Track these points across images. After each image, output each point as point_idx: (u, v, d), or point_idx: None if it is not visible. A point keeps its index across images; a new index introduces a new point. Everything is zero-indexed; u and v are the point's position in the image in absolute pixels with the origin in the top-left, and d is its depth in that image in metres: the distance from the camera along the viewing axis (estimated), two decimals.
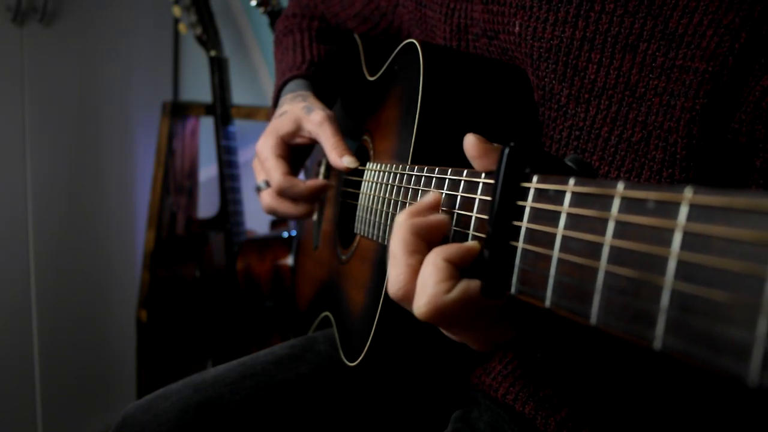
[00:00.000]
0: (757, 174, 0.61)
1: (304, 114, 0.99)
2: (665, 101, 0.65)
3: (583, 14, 0.72)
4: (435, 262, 0.51)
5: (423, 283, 0.51)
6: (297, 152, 1.04)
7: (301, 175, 1.13)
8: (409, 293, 0.53)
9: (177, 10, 2.12)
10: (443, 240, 0.60)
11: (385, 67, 0.96)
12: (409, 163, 0.76)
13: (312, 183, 0.98)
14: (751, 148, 0.61)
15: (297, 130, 1.00)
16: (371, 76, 1.02)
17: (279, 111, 1.05)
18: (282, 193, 0.98)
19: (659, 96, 0.65)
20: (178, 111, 2.28)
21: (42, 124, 2.00)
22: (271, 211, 1.02)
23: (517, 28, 0.79)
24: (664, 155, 0.65)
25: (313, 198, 1.00)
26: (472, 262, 0.52)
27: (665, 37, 0.65)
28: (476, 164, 0.54)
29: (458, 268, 0.51)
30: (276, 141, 1.00)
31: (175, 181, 2.30)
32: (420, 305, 0.51)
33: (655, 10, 0.66)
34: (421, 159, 0.76)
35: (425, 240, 0.55)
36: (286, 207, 1.00)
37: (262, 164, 1.01)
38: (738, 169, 0.63)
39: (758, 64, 0.60)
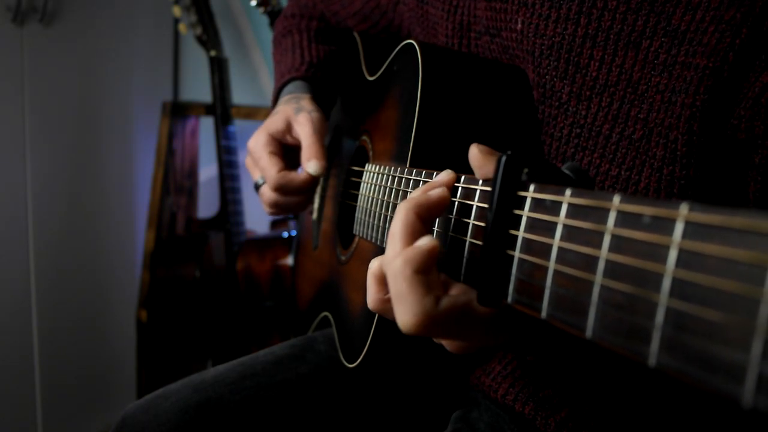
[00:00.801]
0: (755, 171, 0.61)
1: (293, 114, 1.01)
2: (666, 98, 0.65)
3: (585, 11, 0.72)
4: (405, 272, 0.50)
5: (401, 298, 0.51)
6: (291, 151, 1.05)
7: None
8: None
9: (177, 10, 2.12)
10: (441, 242, 0.60)
11: (384, 67, 0.96)
12: (407, 165, 0.75)
13: (306, 174, 0.99)
14: (750, 145, 0.61)
15: (287, 129, 1.01)
16: (370, 75, 1.02)
17: (274, 111, 1.06)
18: (279, 190, 0.98)
19: (661, 93, 0.65)
20: (178, 111, 2.28)
21: (42, 124, 1.99)
22: (273, 205, 1.02)
23: (520, 26, 0.79)
24: (664, 152, 0.65)
25: (310, 190, 1.01)
26: (434, 261, 0.51)
27: (668, 33, 0.65)
28: (479, 174, 0.55)
29: (427, 276, 0.51)
30: (267, 138, 1.00)
31: (175, 181, 2.30)
32: (404, 320, 0.51)
33: (657, 7, 0.66)
34: (419, 161, 0.75)
35: (425, 220, 0.54)
36: (288, 199, 1.01)
37: (256, 162, 1.01)
38: (737, 165, 0.63)
39: (758, 59, 0.60)
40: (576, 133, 0.74)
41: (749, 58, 0.60)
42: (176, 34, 2.47)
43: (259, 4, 2.00)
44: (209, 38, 2.10)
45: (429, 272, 0.51)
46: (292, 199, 1.01)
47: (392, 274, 0.51)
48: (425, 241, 0.51)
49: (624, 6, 0.68)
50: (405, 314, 0.50)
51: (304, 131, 0.98)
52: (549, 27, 0.75)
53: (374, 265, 0.59)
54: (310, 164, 0.96)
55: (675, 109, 0.64)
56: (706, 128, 0.63)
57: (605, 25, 0.70)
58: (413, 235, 0.53)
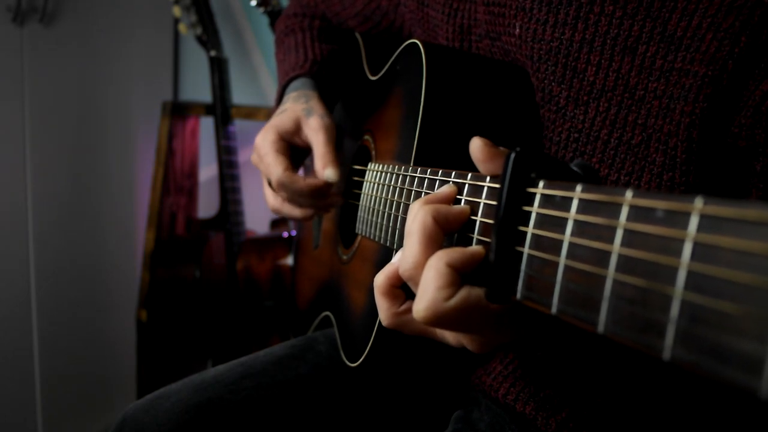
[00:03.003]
0: (756, 178, 0.61)
1: (304, 116, 0.99)
2: (665, 104, 0.65)
3: (582, 16, 0.72)
4: (437, 266, 0.50)
5: (424, 286, 0.51)
6: (296, 151, 1.03)
7: (301, 173, 1.13)
8: (416, 277, 0.53)
9: (177, 10, 2.12)
10: (448, 240, 0.60)
11: (387, 66, 0.96)
12: (411, 164, 0.75)
13: (313, 181, 0.95)
14: (751, 153, 0.61)
15: (296, 131, 0.99)
16: (373, 75, 1.02)
17: (280, 108, 1.04)
18: (282, 189, 0.96)
19: (659, 99, 0.65)
20: (178, 111, 2.28)
21: (42, 124, 1.99)
22: (275, 210, 1.01)
23: (518, 30, 0.79)
24: (664, 158, 0.65)
25: (315, 196, 0.96)
26: (476, 266, 0.52)
27: (664, 39, 0.65)
28: (482, 168, 0.54)
29: (460, 274, 0.51)
30: (275, 137, 0.98)
31: (175, 181, 2.30)
32: (419, 309, 0.50)
33: (654, 13, 0.66)
34: (423, 160, 0.75)
35: (444, 228, 0.54)
36: (289, 207, 0.99)
37: (261, 159, 0.99)
38: (738, 173, 0.63)
39: (758, 68, 0.60)
40: (574, 138, 0.74)
41: (749, 67, 0.60)
42: (176, 34, 2.46)
43: (259, 4, 2.00)
44: (209, 38, 2.10)
45: (461, 270, 0.51)
46: (295, 201, 0.98)
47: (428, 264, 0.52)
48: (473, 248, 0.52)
49: (620, 11, 0.68)
50: (420, 301, 0.51)
51: (318, 139, 0.96)
52: (547, 32, 0.75)
53: (379, 279, 0.59)
54: (327, 171, 0.93)
55: (674, 116, 0.64)
56: (705, 136, 0.63)
57: (602, 29, 0.70)
58: (431, 238, 0.53)
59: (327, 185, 0.96)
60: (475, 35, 0.86)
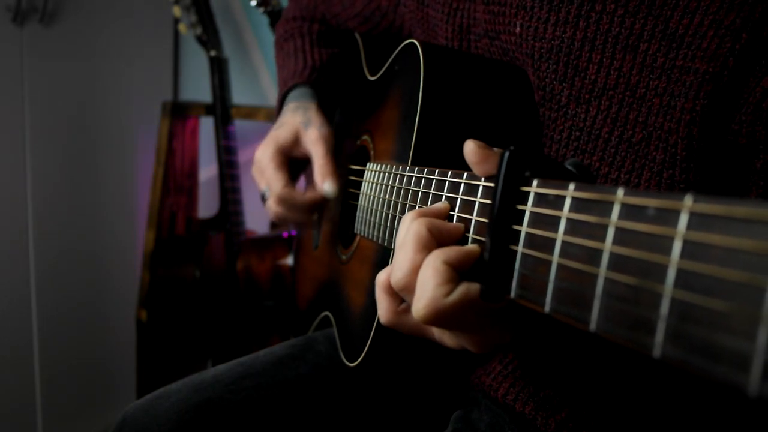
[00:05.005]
0: (757, 176, 0.61)
1: (302, 128, 1.01)
2: (665, 102, 0.65)
3: (584, 14, 0.72)
4: (435, 264, 0.50)
5: (422, 285, 0.51)
6: (295, 163, 1.05)
7: (302, 181, 1.14)
8: (411, 285, 0.53)
9: (177, 10, 2.12)
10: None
11: (385, 67, 0.96)
12: (409, 164, 0.76)
13: (311, 196, 0.99)
14: (752, 150, 0.61)
15: (295, 143, 1.02)
16: (372, 75, 1.02)
17: (279, 121, 1.06)
18: (282, 204, 0.99)
19: (659, 97, 0.65)
20: (178, 111, 2.28)
21: (42, 124, 2.00)
22: (278, 219, 1.03)
23: (518, 29, 0.79)
24: (664, 156, 0.65)
25: (312, 209, 1.01)
26: (471, 265, 0.52)
27: (665, 37, 0.65)
28: (477, 170, 0.54)
29: (458, 272, 0.51)
30: (274, 151, 1.01)
31: (175, 181, 2.30)
32: (419, 307, 0.50)
33: (655, 11, 0.66)
34: (421, 160, 0.76)
35: (438, 241, 0.54)
36: (293, 214, 1.01)
37: (262, 173, 1.02)
38: (738, 170, 0.63)
39: (759, 65, 0.60)
40: (575, 136, 0.74)
41: (749, 63, 0.60)
42: (176, 34, 2.47)
43: (259, 4, 2.00)
44: (209, 38, 2.11)
45: (458, 268, 0.51)
46: (295, 215, 1.02)
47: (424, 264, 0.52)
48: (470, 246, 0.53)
49: (622, 9, 0.68)
50: (419, 300, 0.51)
51: (317, 150, 0.98)
52: (548, 30, 0.75)
53: (382, 277, 0.59)
54: (326, 185, 0.96)
55: (674, 114, 0.64)
56: (706, 133, 0.63)
57: (603, 28, 0.70)
58: (426, 247, 0.53)
59: (325, 198, 1.00)
60: (474, 34, 0.86)
